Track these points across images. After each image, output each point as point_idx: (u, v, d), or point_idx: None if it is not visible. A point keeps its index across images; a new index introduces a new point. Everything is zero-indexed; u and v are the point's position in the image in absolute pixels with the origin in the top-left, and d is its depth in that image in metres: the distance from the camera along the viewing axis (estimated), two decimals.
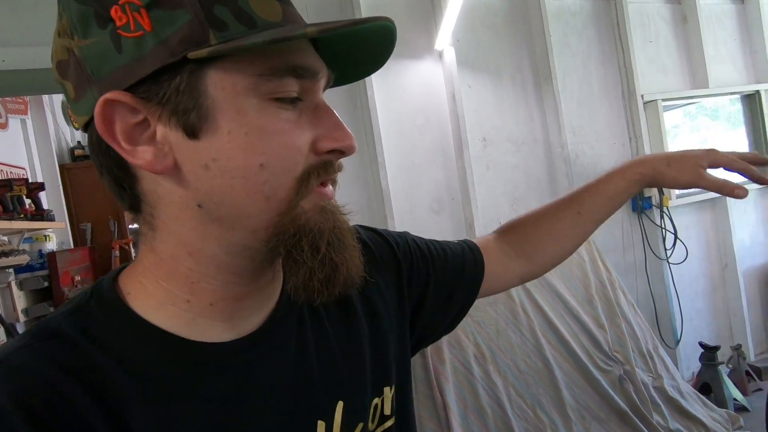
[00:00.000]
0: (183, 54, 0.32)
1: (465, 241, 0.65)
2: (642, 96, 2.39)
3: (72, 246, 3.00)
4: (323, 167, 0.37)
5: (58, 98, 3.24)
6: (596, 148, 2.35)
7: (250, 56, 0.34)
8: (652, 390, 1.92)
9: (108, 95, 0.33)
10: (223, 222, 0.36)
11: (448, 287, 0.60)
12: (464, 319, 0.64)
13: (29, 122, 2.87)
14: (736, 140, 2.81)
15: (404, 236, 0.60)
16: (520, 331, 1.84)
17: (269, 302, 0.43)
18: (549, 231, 0.66)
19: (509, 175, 2.17)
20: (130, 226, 3.51)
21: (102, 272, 3.07)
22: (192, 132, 0.34)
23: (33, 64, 1.42)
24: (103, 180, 0.38)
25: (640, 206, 2.38)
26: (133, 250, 3.38)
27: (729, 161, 0.59)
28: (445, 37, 1.94)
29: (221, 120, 0.34)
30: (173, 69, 0.33)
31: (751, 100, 2.78)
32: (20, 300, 2.35)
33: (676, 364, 2.38)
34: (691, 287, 2.56)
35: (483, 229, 2.00)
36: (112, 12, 0.32)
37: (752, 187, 2.59)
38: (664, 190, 2.36)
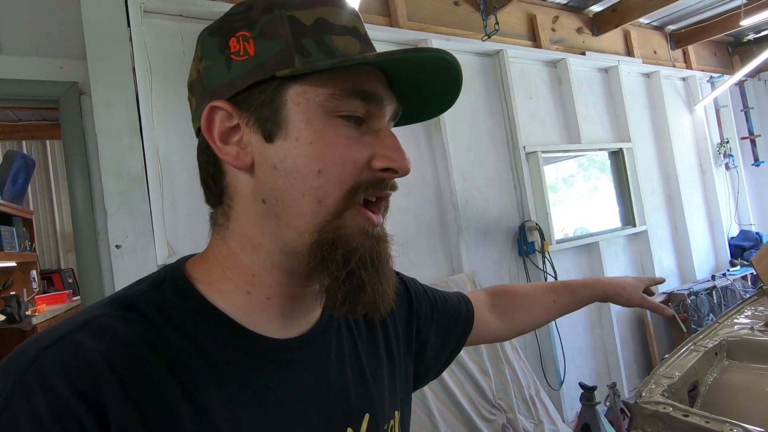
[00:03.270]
0: (272, 72, 0.39)
1: (459, 294, 0.73)
2: (524, 147, 2.55)
3: None
4: (374, 183, 0.41)
5: None
6: (485, 194, 2.44)
7: (325, 78, 0.39)
8: None
9: (213, 103, 0.41)
10: (280, 219, 0.41)
11: (444, 334, 0.66)
12: None
13: None
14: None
15: (415, 280, 0.67)
16: None
17: (315, 311, 0.48)
18: (528, 307, 0.79)
19: (399, 218, 2.15)
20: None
21: None
22: (269, 136, 0.40)
23: None
24: (200, 176, 0.45)
25: (525, 250, 2.49)
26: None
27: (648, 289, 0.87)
28: None
29: (292, 128, 0.40)
30: (263, 84, 0.40)
31: (616, 156, 3.12)
32: None
33: (560, 406, 2.45)
34: (573, 327, 2.69)
35: None
36: (231, 42, 0.41)
37: (622, 233, 2.83)
38: (545, 234, 2.50)
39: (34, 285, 3.73)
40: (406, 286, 0.63)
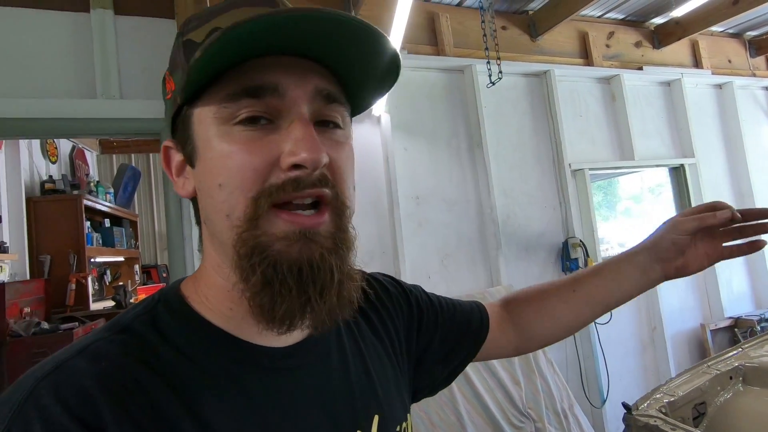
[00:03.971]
0: (180, 102, 0.41)
1: (475, 302, 0.68)
2: (570, 165, 2.59)
3: (27, 277, 3.05)
4: (283, 186, 0.37)
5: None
6: (527, 211, 2.52)
7: (216, 89, 0.38)
8: None
9: (164, 143, 0.45)
10: (215, 238, 0.41)
11: (453, 340, 0.63)
12: None
13: (2, 156, 3.01)
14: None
15: (418, 287, 0.65)
16: None
17: None
18: (545, 307, 0.67)
19: (441, 232, 2.31)
20: (92, 259, 3.57)
21: (55, 305, 3.10)
22: (191, 162, 0.42)
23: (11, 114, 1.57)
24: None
25: (567, 266, 2.52)
26: (90, 286, 3.43)
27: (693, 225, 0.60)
28: (381, 104, 2.15)
29: (200, 149, 0.40)
30: (180, 116, 0.42)
31: (677, 172, 3.01)
32: None
33: (602, 424, 2.44)
34: (620, 347, 2.65)
35: (411, 282, 2.11)
36: (165, 84, 0.44)
37: None
38: (589, 251, 2.51)
39: (137, 277, 4.40)
40: (405, 293, 0.62)
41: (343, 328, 0.51)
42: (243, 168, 0.37)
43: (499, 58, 2.03)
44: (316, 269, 0.37)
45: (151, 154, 5.09)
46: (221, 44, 0.34)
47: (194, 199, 0.44)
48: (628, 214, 3.50)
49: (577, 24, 2.85)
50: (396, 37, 1.70)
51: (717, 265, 2.53)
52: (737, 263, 3.16)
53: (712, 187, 3.08)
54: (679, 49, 3.19)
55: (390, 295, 0.60)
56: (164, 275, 4.85)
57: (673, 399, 1.18)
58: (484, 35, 2.04)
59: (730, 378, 1.27)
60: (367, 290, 0.53)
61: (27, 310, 2.77)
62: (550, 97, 2.63)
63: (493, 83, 2.01)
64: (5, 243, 2.58)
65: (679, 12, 2.73)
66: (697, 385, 1.21)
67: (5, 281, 2.72)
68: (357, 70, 0.42)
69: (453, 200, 2.37)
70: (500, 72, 2.01)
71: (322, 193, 0.38)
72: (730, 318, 2.89)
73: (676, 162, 2.96)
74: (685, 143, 3.04)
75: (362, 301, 0.46)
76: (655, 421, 1.08)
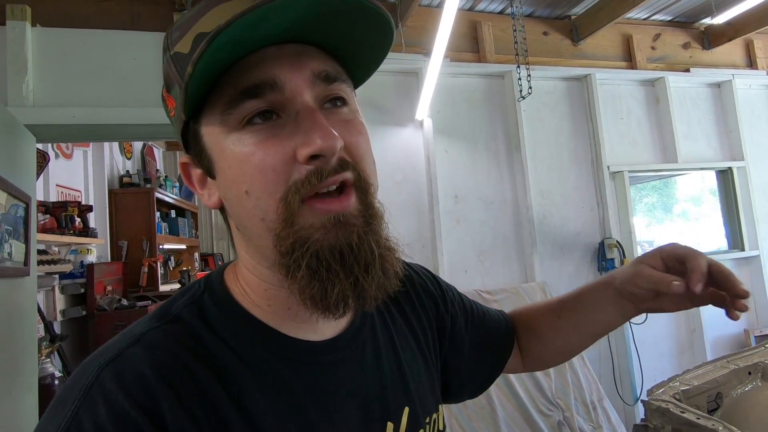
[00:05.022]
0: (184, 119, 0.40)
1: (500, 311, 0.69)
2: (608, 167, 2.64)
3: (109, 260, 3.48)
4: (308, 180, 0.37)
5: None
6: (563, 211, 2.60)
7: (215, 99, 0.38)
8: None
9: (181, 159, 0.45)
10: (252, 242, 0.42)
11: (482, 347, 0.63)
12: None
13: (90, 153, 3.44)
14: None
15: (451, 287, 0.65)
16: None
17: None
18: (537, 332, 0.67)
19: (477, 230, 2.45)
20: (160, 246, 3.99)
21: (131, 284, 3.51)
22: (211, 174, 0.42)
23: (97, 120, 1.88)
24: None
25: (603, 266, 2.58)
26: (160, 269, 3.84)
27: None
28: (424, 109, 2.31)
29: (217, 161, 0.40)
30: (188, 132, 0.41)
31: (724, 175, 2.96)
32: (60, 302, 2.81)
33: (635, 421, 2.49)
34: (655, 348, 2.68)
35: (448, 276, 2.28)
36: (166, 102, 0.43)
37: (727, 257, 2.77)
38: (625, 251, 2.56)
39: (196, 264, 4.82)
40: (442, 290, 0.62)
41: (378, 321, 0.51)
42: (263, 171, 0.37)
43: (528, 67, 2.12)
44: (357, 249, 0.38)
45: None
46: (211, 54, 0.33)
47: (221, 209, 0.44)
48: (686, 217, 3.44)
49: (622, 27, 2.87)
50: (440, 47, 1.85)
51: (765, 267, 2.48)
52: None
53: (762, 191, 3.00)
54: (733, 49, 3.12)
55: (427, 289, 0.60)
56: (220, 263, 5.26)
57: (688, 388, 1.27)
58: (516, 43, 2.13)
59: (749, 373, 1.33)
60: (404, 281, 0.51)
61: (109, 288, 3.18)
62: (590, 101, 2.68)
63: (524, 97, 2.12)
64: (95, 229, 2.98)
65: (730, 14, 2.69)
66: (714, 377, 1.29)
67: (93, 262, 3.13)
68: (350, 47, 0.41)
69: (490, 199, 2.50)
70: (530, 88, 2.11)
71: (345, 177, 0.39)
72: None
73: (724, 165, 2.92)
74: (734, 146, 2.98)
75: (398, 293, 0.48)
76: (667, 405, 1.18)
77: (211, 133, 0.39)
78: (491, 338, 0.64)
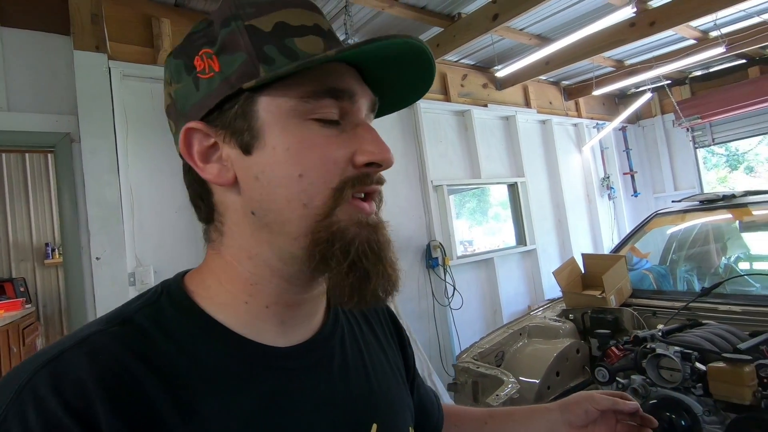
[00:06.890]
0: (239, 86, 0.39)
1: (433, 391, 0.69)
2: (432, 181, 3.19)
3: None
4: (359, 179, 0.40)
5: None
6: (398, 219, 3.04)
7: (293, 82, 0.39)
8: None
9: (188, 125, 0.41)
10: (272, 228, 0.41)
11: (419, 412, 0.61)
12: None
13: None
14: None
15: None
16: None
17: (316, 317, 0.48)
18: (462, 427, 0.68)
19: None
20: None
21: None
22: (246, 149, 0.40)
23: None
24: (189, 196, 0.45)
25: (430, 264, 3.10)
26: None
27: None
28: None
29: (268, 137, 0.39)
30: (233, 99, 0.40)
31: (512, 188, 3.85)
32: None
33: None
34: (470, 327, 3.32)
35: None
36: (195, 61, 0.41)
37: (514, 251, 3.57)
38: (446, 251, 3.13)
39: None
40: (403, 334, 0.62)
41: (347, 334, 0.51)
42: (326, 160, 0.39)
43: None
44: (385, 248, 0.41)
45: (3, 155, 4.54)
46: (359, 52, 0.38)
47: (208, 189, 0.44)
48: (498, 219, 4.23)
49: (439, 66, 3.49)
50: None
51: (540, 257, 3.32)
52: (555, 260, 4.13)
53: (537, 199, 3.99)
54: (515, 91, 4.08)
55: (395, 321, 0.62)
56: (21, 289, 4.38)
57: (482, 350, 1.72)
58: None
59: (520, 334, 1.87)
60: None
61: None
62: (416, 126, 3.20)
63: None
64: None
65: (512, 67, 3.53)
66: (498, 340, 1.78)
67: None
68: (396, 92, 0.47)
69: None
70: None
71: (379, 189, 0.44)
72: (548, 300, 3.79)
73: (512, 180, 3.79)
74: (518, 165, 3.89)
75: (369, 312, 0.53)
76: (467, 364, 1.60)
77: (273, 112, 0.40)
78: (427, 413, 0.64)
